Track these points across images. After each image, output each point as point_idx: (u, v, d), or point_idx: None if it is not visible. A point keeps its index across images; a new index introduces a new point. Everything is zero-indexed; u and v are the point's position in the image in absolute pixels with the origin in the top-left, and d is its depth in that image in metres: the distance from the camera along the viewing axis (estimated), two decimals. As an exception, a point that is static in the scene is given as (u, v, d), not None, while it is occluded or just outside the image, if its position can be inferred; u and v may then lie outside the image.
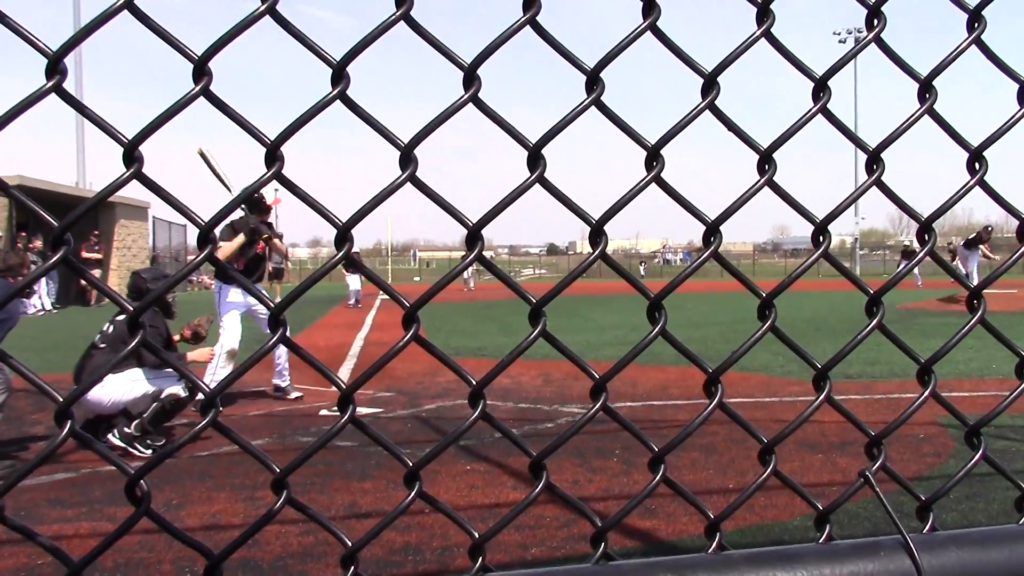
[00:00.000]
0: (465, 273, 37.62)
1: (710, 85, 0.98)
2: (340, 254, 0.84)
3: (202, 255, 0.83)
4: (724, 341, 14.71)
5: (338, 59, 0.87)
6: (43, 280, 29.77)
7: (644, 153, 0.98)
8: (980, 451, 1.08)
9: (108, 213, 33.95)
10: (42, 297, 29.57)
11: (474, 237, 0.91)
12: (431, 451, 0.90)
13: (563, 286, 0.92)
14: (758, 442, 1.02)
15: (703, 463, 6.38)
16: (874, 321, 1.05)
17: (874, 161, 1.06)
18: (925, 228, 1.06)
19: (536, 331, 0.92)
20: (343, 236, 0.84)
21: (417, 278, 71.20)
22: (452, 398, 9.52)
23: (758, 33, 1.00)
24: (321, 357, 9.31)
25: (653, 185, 0.98)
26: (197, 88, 0.83)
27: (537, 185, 0.95)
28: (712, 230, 0.98)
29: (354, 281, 28.94)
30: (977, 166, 1.09)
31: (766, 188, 1.03)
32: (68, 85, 0.88)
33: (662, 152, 0.96)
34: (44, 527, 5.02)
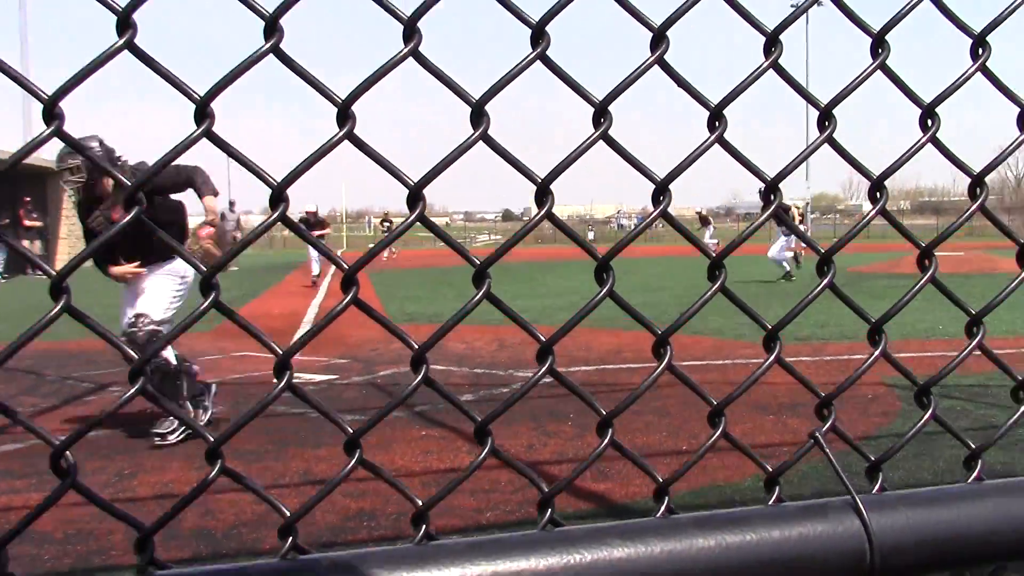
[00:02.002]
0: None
1: (659, 39, 0.96)
2: (275, 215, 0.81)
3: (129, 216, 0.79)
4: (678, 305, 14.80)
5: (271, 11, 0.83)
6: (-10, 249, 29.11)
7: (593, 110, 0.96)
8: (930, 410, 1.08)
9: (55, 180, 33.21)
10: (-10, 267, 28.97)
11: (415, 197, 0.87)
12: (372, 418, 0.88)
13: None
14: (707, 404, 1.00)
15: (656, 425, 6.43)
16: (824, 281, 1.04)
17: (826, 117, 1.04)
18: (877, 186, 1.05)
19: (480, 293, 0.89)
20: (278, 196, 0.81)
21: (372, 245, 70.66)
22: (407, 364, 9.47)
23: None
24: (275, 324, 9.26)
25: (609, 149, 0.95)
26: (121, 41, 0.79)
27: (492, 151, 0.92)
28: (660, 189, 0.95)
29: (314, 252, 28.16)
30: (930, 123, 1.08)
31: (720, 150, 1.01)
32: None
33: (610, 109, 0.94)
34: (-9, 499, 4.93)
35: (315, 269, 23.43)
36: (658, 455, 5.69)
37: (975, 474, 1.03)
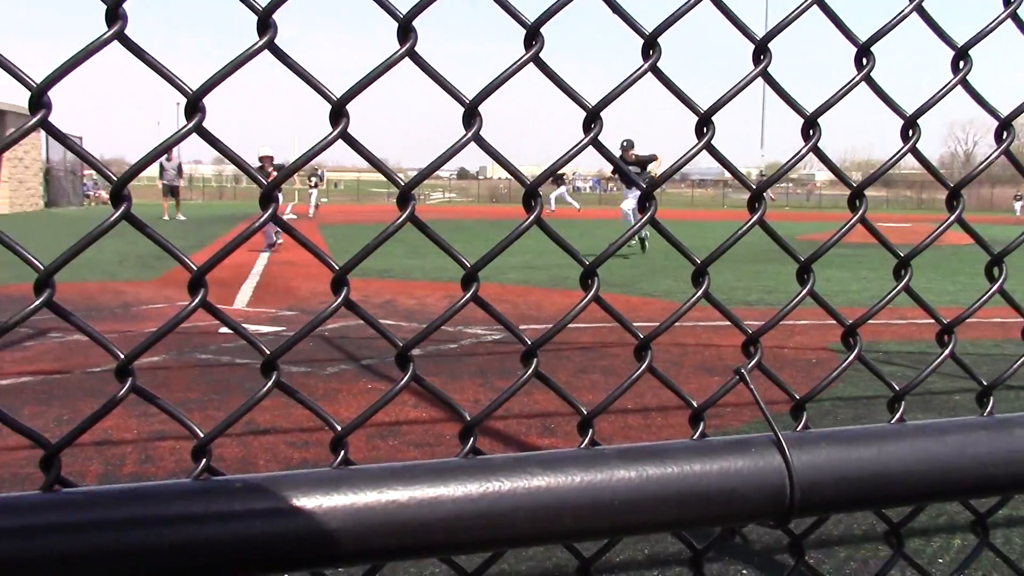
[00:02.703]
0: (313, 198, 34.85)
1: (651, 45, 0.94)
2: (265, 214, 0.78)
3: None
4: (629, 267, 14.87)
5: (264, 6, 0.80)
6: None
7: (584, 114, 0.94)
8: (856, 350, 1.08)
9: (-3, 120, 32.34)
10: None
11: (405, 198, 0.85)
12: (290, 339, 0.86)
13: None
14: (634, 338, 1.00)
15: (603, 384, 6.47)
16: (806, 288, 1.04)
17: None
18: (810, 123, 1.04)
19: (338, 300, 0.89)
20: (267, 196, 0.79)
21: (325, 199, 70.16)
22: (355, 317, 9.44)
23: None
24: (222, 276, 9.15)
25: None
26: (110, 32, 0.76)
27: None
28: (647, 196, 0.94)
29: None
30: (864, 61, 1.08)
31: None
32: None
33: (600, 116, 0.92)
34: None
35: (273, 236, 17.90)
36: (603, 412, 5.73)
37: (897, 416, 1.04)
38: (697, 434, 0.96)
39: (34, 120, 0.75)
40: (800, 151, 1.05)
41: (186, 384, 6.35)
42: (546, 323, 9.14)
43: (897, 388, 1.06)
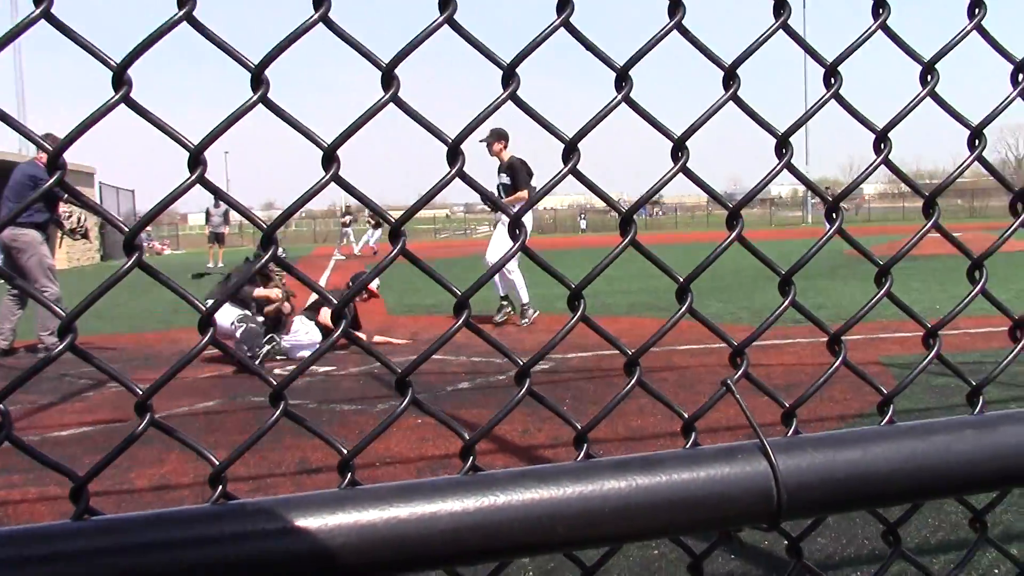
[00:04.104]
0: (367, 236, 33.20)
1: (730, 77, 0.99)
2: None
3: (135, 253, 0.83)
4: (673, 292, 14.77)
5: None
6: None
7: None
8: (840, 357, 1.12)
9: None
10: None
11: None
12: (295, 370, 0.92)
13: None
14: (623, 354, 1.05)
15: (650, 409, 6.46)
16: (890, 282, 1.08)
17: (833, 73, 1.08)
18: (881, 138, 1.09)
19: (338, 332, 0.94)
20: (269, 237, 0.86)
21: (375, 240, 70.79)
22: (401, 355, 9.54)
23: None
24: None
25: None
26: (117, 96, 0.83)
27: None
28: (678, 146, 1.00)
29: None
30: (929, 78, 1.13)
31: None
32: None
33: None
34: (-10, 494, 4.99)
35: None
36: (650, 437, 5.73)
37: (886, 419, 1.07)
38: (690, 443, 1.00)
39: (53, 178, 0.82)
40: (873, 163, 1.11)
41: (239, 427, 6.48)
42: (593, 350, 9.15)
43: (885, 392, 1.10)
